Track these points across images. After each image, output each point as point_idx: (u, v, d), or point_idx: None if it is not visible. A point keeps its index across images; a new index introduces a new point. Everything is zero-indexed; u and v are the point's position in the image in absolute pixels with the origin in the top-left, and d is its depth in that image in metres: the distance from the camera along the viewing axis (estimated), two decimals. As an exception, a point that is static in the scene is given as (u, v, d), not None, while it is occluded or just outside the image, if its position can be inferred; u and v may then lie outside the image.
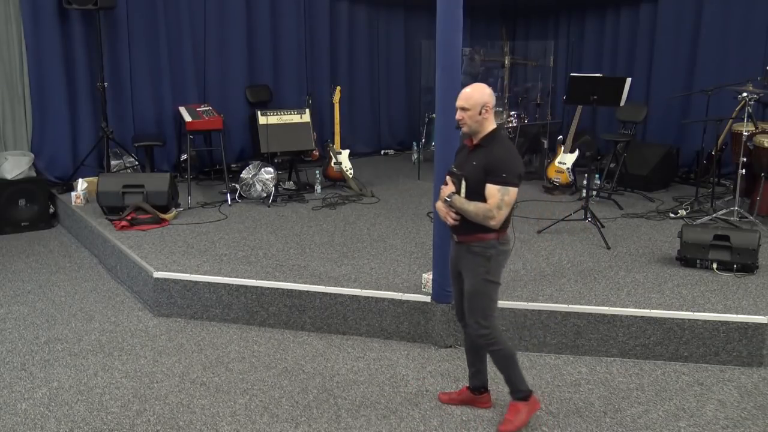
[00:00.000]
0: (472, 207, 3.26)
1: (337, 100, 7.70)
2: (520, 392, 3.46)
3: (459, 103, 3.29)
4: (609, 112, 8.31)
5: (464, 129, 3.32)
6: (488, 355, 3.50)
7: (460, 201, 3.30)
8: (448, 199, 3.31)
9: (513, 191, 3.26)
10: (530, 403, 3.49)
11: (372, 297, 4.46)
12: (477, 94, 3.27)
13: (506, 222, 3.35)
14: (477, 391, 3.66)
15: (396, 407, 3.67)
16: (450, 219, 3.34)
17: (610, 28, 9.16)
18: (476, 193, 3.27)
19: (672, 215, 6.38)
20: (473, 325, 3.38)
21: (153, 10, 7.63)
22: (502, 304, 4.28)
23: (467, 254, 3.36)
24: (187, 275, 4.80)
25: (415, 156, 8.81)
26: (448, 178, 3.37)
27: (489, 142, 3.30)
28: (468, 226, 3.31)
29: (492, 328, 3.37)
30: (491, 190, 3.23)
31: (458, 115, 3.30)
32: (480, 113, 3.27)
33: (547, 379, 3.97)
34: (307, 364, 4.13)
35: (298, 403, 3.70)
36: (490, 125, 3.32)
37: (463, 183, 3.30)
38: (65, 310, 4.91)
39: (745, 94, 5.99)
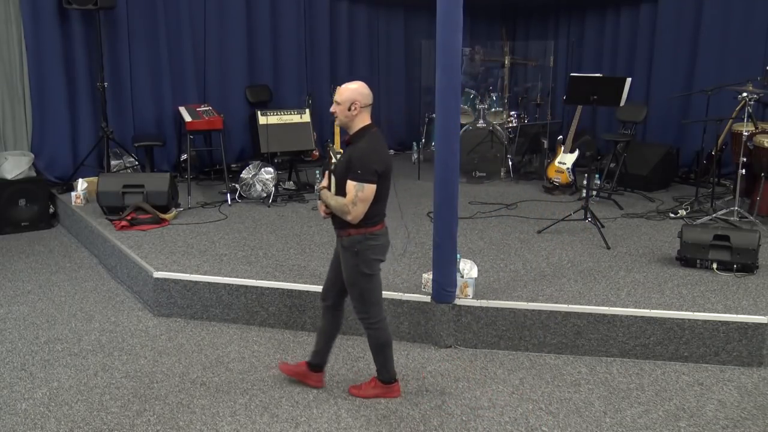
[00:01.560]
0: (333, 201, 3.43)
1: (337, 100, 7.68)
2: (386, 376, 3.72)
3: (334, 97, 3.44)
4: (609, 112, 8.31)
5: (336, 122, 3.49)
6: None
7: (326, 195, 3.48)
8: (318, 193, 3.47)
9: (368, 188, 3.34)
10: (389, 388, 3.73)
11: (372, 297, 4.46)
12: (348, 91, 3.39)
13: (375, 216, 3.46)
14: (312, 369, 3.83)
15: (396, 407, 3.67)
16: (321, 212, 3.53)
17: (610, 28, 9.17)
18: (341, 188, 3.42)
19: (672, 215, 6.38)
20: (354, 310, 3.62)
21: (153, 10, 7.64)
22: (502, 304, 4.30)
23: (341, 247, 3.54)
24: (187, 275, 4.80)
25: (415, 156, 8.81)
26: (326, 172, 3.53)
27: (357, 139, 3.43)
28: (339, 221, 3.47)
29: (371, 315, 3.58)
30: (348, 185, 3.35)
31: (332, 108, 3.46)
32: (349, 109, 3.39)
33: (547, 379, 3.97)
34: (307, 364, 4.12)
35: (298, 403, 3.70)
36: (361, 123, 3.43)
37: (332, 178, 3.46)
38: (65, 310, 4.91)
39: (745, 94, 6.00)
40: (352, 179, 3.33)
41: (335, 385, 3.89)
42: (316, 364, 3.84)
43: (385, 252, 3.61)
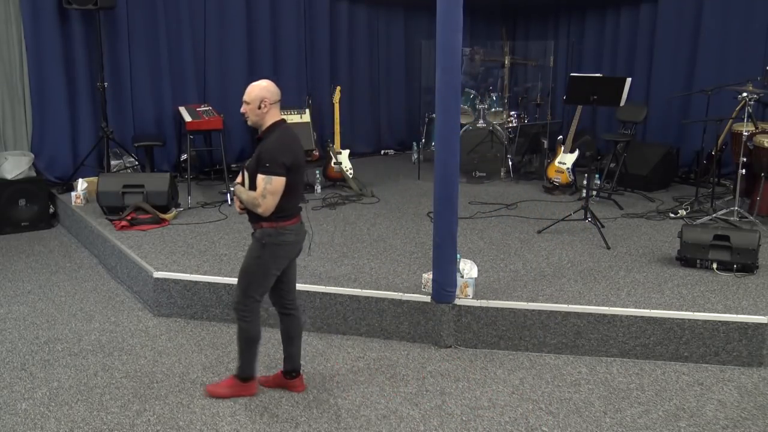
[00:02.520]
0: (245, 195, 3.51)
1: (337, 100, 7.70)
2: (244, 373, 3.72)
3: (243, 97, 3.52)
4: (609, 112, 8.31)
5: (248, 122, 3.57)
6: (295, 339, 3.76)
7: (240, 190, 3.55)
8: (232, 189, 3.52)
9: (276, 180, 3.41)
10: (245, 385, 3.74)
11: (372, 297, 4.46)
12: (257, 90, 3.49)
13: (288, 210, 3.52)
14: (289, 375, 3.82)
15: (396, 407, 3.67)
16: (237, 207, 3.61)
17: (610, 28, 9.16)
18: (254, 183, 3.49)
19: (672, 215, 6.38)
20: (235, 297, 3.63)
21: (153, 10, 7.63)
22: (502, 304, 4.31)
23: (252, 239, 3.61)
24: (187, 275, 4.80)
25: (415, 156, 8.81)
26: (243, 169, 3.59)
27: (267, 135, 3.53)
28: (253, 215, 3.54)
29: (248, 308, 3.59)
30: (258, 179, 3.43)
31: (242, 108, 3.55)
32: (259, 107, 3.49)
33: (547, 379, 3.97)
34: (307, 364, 4.12)
35: (298, 403, 3.70)
36: (271, 119, 3.54)
37: (245, 173, 3.54)
38: (65, 310, 4.91)
39: (745, 94, 5.99)
40: (262, 172, 3.41)
41: (335, 385, 3.89)
42: (290, 371, 3.81)
43: (296, 249, 3.67)
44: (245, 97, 3.51)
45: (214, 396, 3.74)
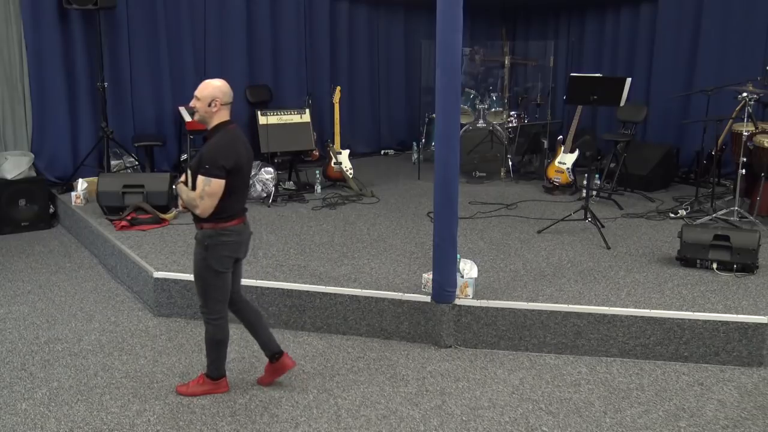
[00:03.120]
0: (185, 195, 3.52)
1: (337, 100, 7.70)
2: (214, 373, 3.77)
3: (195, 92, 3.51)
4: (609, 112, 8.31)
5: (195, 117, 3.56)
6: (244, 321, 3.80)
7: (182, 189, 3.55)
8: (175, 187, 3.50)
9: (215, 182, 3.41)
10: (217, 383, 3.78)
11: (372, 297, 4.46)
12: (210, 88, 3.49)
13: (229, 211, 3.53)
14: (274, 359, 3.83)
15: (396, 407, 3.67)
16: (180, 206, 3.60)
17: (610, 28, 9.17)
18: (195, 183, 3.51)
19: (672, 215, 6.38)
20: (199, 304, 3.65)
21: (153, 10, 7.63)
22: (502, 304, 4.31)
23: (195, 240, 3.59)
24: (187, 275, 4.79)
25: (415, 156, 8.81)
26: (188, 168, 3.59)
27: (212, 135, 3.53)
28: (194, 215, 3.54)
29: (211, 310, 3.62)
30: (198, 180, 3.45)
31: (192, 102, 3.53)
32: (209, 106, 3.48)
33: (547, 379, 3.97)
34: (307, 364, 4.13)
35: (298, 403, 3.70)
36: (218, 119, 3.53)
37: (188, 172, 3.55)
38: (65, 310, 4.91)
39: (745, 94, 5.99)
40: (202, 174, 3.43)
41: (335, 385, 3.89)
42: (273, 354, 3.85)
43: (240, 249, 3.67)
44: (197, 93, 3.50)
45: (186, 395, 3.75)
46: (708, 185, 6.96)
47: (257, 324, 3.83)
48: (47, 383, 3.88)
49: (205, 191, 3.41)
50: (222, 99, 3.49)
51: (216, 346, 3.72)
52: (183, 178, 3.61)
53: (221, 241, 3.53)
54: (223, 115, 3.54)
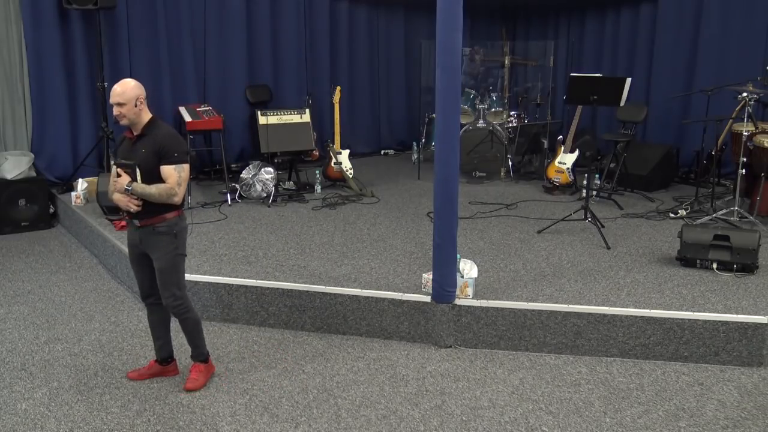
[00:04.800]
0: (155, 189, 3.54)
1: (337, 100, 7.70)
2: (202, 355, 3.88)
3: (114, 100, 3.52)
4: (609, 112, 8.31)
5: (124, 122, 3.58)
6: (179, 324, 3.82)
7: (141, 187, 3.54)
8: (129, 188, 3.52)
9: (186, 167, 3.60)
10: (209, 365, 3.93)
11: (372, 297, 4.47)
12: (129, 90, 3.54)
13: (182, 199, 3.68)
14: (165, 362, 3.96)
15: (396, 407, 3.67)
16: (133, 206, 3.56)
17: (610, 28, 9.17)
18: (151, 178, 3.56)
19: (672, 215, 6.38)
20: (169, 297, 3.68)
21: (153, 10, 7.63)
22: (502, 304, 4.31)
23: (152, 236, 3.62)
24: (187, 275, 4.77)
25: (415, 156, 8.81)
26: (118, 170, 3.57)
27: (151, 130, 3.60)
28: (151, 209, 3.58)
29: (184, 299, 3.74)
30: (168, 170, 3.55)
31: (115, 111, 3.53)
32: (135, 105, 3.54)
33: (547, 379, 3.97)
34: (307, 364, 4.13)
35: (298, 403, 3.70)
36: (147, 115, 3.62)
37: (138, 170, 3.54)
38: (65, 310, 4.91)
39: (745, 94, 5.99)
40: (171, 163, 3.54)
41: (335, 385, 3.89)
42: (166, 357, 3.96)
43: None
44: (119, 99, 3.50)
45: (196, 389, 3.80)
46: (708, 185, 6.96)
47: (168, 326, 3.94)
48: (47, 383, 3.88)
49: (181, 177, 3.56)
50: (143, 95, 3.58)
51: (198, 330, 3.84)
52: (126, 178, 3.52)
53: (183, 226, 3.71)
54: (147, 110, 3.63)
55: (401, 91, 10.00)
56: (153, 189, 3.53)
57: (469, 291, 4.36)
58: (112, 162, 3.56)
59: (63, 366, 4.09)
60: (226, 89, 8.29)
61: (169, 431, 3.44)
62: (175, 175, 3.54)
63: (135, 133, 3.61)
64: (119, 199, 3.58)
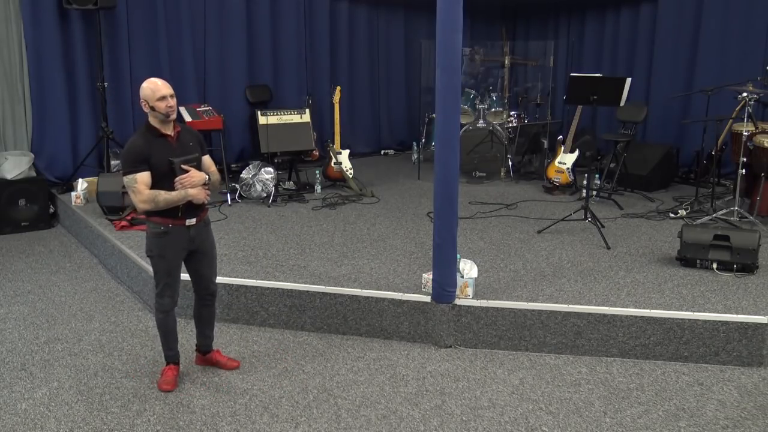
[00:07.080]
0: (214, 177, 3.79)
1: (337, 100, 7.70)
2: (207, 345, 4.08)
3: (169, 91, 3.54)
4: (609, 112, 8.31)
5: (173, 116, 3.58)
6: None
7: (215, 178, 3.78)
8: (209, 181, 3.69)
9: None
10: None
11: (372, 297, 4.46)
12: (168, 84, 3.60)
13: None
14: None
15: (396, 407, 3.67)
16: (203, 197, 3.68)
17: (610, 28, 9.17)
18: (200, 170, 3.69)
19: (672, 215, 6.38)
20: (214, 284, 3.91)
21: (153, 10, 7.64)
22: (502, 304, 4.32)
23: (204, 228, 3.83)
24: (187, 275, 4.78)
25: (415, 156, 8.81)
26: (185, 167, 3.58)
27: (181, 125, 3.72)
28: (202, 203, 3.75)
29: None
30: (209, 159, 3.81)
31: (171, 102, 3.53)
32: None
33: (547, 379, 3.97)
34: (307, 364, 4.13)
35: (298, 403, 3.70)
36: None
37: (202, 163, 3.72)
38: (65, 310, 4.91)
39: (745, 94, 5.99)
40: (208, 154, 3.82)
41: (335, 385, 3.89)
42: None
43: None
44: (172, 91, 3.57)
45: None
46: (708, 185, 6.96)
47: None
48: (47, 383, 3.88)
49: (216, 165, 3.85)
50: None
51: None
52: (198, 173, 3.63)
53: None
54: None
55: (401, 91, 10.00)
56: (214, 176, 3.75)
57: (469, 291, 4.36)
58: (173, 162, 3.56)
59: (63, 366, 4.09)
60: (226, 89, 8.29)
61: (169, 431, 3.44)
62: (214, 164, 3.81)
63: (175, 130, 3.63)
64: (197, 193, 3.63)
